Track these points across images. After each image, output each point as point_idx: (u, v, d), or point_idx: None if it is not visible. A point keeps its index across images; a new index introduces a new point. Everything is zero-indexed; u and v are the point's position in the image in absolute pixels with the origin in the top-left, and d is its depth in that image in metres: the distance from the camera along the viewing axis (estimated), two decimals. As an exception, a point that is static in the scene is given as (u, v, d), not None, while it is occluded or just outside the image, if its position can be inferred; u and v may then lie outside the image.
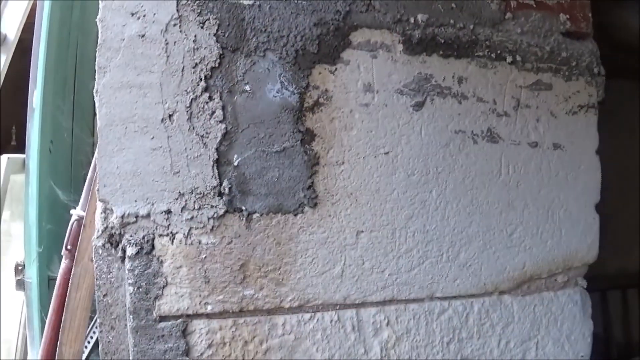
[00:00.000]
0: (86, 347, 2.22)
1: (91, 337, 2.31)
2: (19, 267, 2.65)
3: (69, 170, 2.68)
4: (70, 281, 1.93)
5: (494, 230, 1.80)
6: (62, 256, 2.07)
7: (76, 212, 2.05)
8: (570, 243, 1.90)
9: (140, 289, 1.52)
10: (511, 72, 1.82)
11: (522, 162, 1.83)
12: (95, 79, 1.51)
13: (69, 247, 2.03)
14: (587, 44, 1.94)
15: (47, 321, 2.02)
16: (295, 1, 1.62)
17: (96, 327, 2.17)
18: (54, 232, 2.50)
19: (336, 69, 1.65)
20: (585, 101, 1.92)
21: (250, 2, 1.59)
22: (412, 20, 1.71)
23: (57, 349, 1.94)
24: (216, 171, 1.55)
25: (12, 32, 3.43)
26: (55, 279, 2.10)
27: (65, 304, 1.94)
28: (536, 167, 1.85)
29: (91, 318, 2.09)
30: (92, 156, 1.98)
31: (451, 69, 1.75)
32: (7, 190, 3.55)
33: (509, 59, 1.81)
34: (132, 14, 1.51)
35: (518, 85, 1.83)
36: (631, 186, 4.12)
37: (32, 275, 2.55)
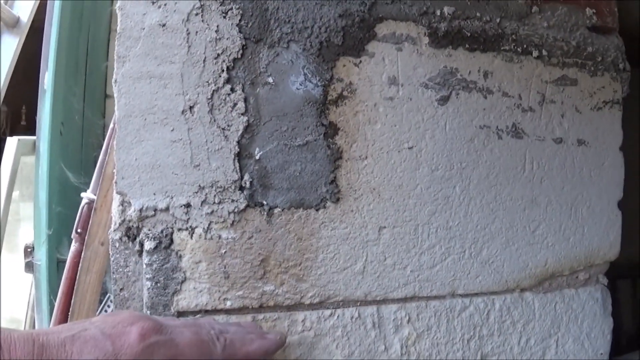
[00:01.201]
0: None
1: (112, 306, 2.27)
2: (28, 249, 2.62)
3: (79, 152, 2.67)
4: (80, 264, 1.90)
5: (517, 226, 1.74)
6: (71, 239, 2.02)
7: (87, 195, 2.01)
8: (593, 240, 1.84)
9: (158, 284, 1.47)
10: (537, 67, 1.76)
11: (547, 158, 1.77)
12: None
13: (79, 230, 1.99)
14: (612, 38, 1.88)
15: (56, 304, 1.98)
16: (320, -9, 1.55)
17: (105, 311, 2.13)
18: (64, 214, 2.48)
19: (361, 61, 1.58)
20: (610, 97, 1.86)
21: (274, -8, 1.51)
22: (438, 12, 1.65)
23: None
24: (237, 164, 1.49)
25: (26, 14, 3.41)
26: (64, 262, 2.07)
27: (75, 287, 1.91)
28: (560, 164, 1.79)
29: (100, 301, 2.05)
30: (103, 139, 1.94)
31: (477, 63, 1.69)
32: (17, 171, 3.52)
33: (535, 53, 1.75)
34: (153, 3, 1.45)
35: (544, 80, 1.77)
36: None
37: (41, 257, 2.53)
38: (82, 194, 2.03)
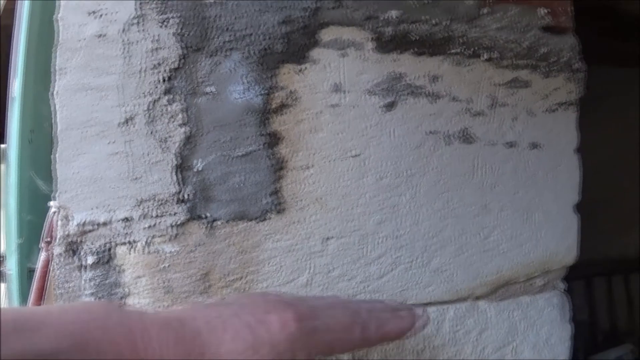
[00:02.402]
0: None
1: None
2: (0, 258, 2.65)
3: (48, 160, 2.68)
4: (47, 274, 1.94)
5: (469, 234, 1.80)
6: (40, 248, 2.07)
7: (54, 204, 2.05)
8: (549, 245, 1.91)
9: (101, 300, 1.52)
10: (487, 70, 1.82)
11: (499, 163, 1.83)
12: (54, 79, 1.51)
13: (47, 239, 2.03)
14: (567, 38, 1.94)
15: None
16: (262, -2, 1.61)
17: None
18: (35, 223, 2.49)
19: (304, 68, 1.64)
20: (564, 98, 1.92)
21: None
22: (384, 16, 1.71)
23: None
24: (177, 177, 1.55)
25: None
26: (35, 270, 2.11)
27: (43, 297, 1.94)
28: (513, 168, 1.85)
29: None
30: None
31: (424, 67, 1.75)
32: (-14, 180, 3.54)
33: (485, 55, 1.81)
34: (90, 14, 1.51)
35: (494, 83, 1.83)
36: (615, 174, 4.18)
37: (12, 266, 2.55)
38: (50, 203, 2.07)
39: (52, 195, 1.54)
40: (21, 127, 2.49)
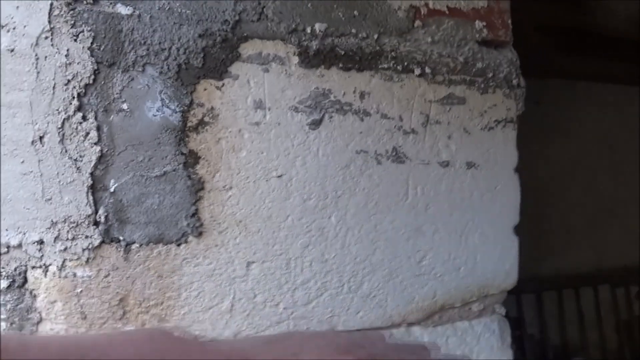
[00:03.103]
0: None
1: None
2: None
3: None
4: None
5: (401, 257, 1.80)
6: None
7: None
8: (486, 269, 1.91)
9: (14, 325, 1.52)
10: (420, 86, 1.82)
11: (432, 183, 1.83)
12: None
13: None
14: (506, 52, 1.95)
15: None
16: (179, 10, 1.61)
17: None
18: None
19: (223, 84, 1.64)
20: (502, 115, 1.93)
21: (129, 12, 1.58)
22: (309, 29, 1.71)
23: None
24: (91, 198, 1.55)
25: None
26: None
27: None
28: (447, 188, 1.86)
29: None
30: None
31: (352, 83, 1.75)
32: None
33: (418, 71, 1.81)
34: (3, 27, 1.50)
35: (427, 99, 1.83)
36: (564, 187, 4.23)
37: None
38: None
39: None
40: None
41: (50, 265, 1.53)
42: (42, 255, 1.53)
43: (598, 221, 4.63)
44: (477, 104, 1.89)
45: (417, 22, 1.83)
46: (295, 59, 1.70)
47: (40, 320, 1.53)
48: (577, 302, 4.57)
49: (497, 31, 1.92)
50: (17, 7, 1.51)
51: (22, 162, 1.51)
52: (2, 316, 1.51)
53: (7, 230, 1.51)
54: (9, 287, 1.51)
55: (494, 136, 1.91)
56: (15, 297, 1.51)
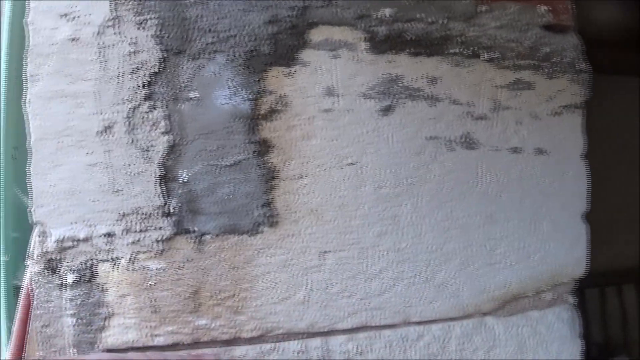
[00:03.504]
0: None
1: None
2: None
3: None
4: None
5: (474, 246, 1.72)
6: (26, 265, 2.00)
7: None
8: (558, 257, 1.82)
9: (82, 320, 1.44)
10: (488, 71, 1.74)
11: (503, 170, 1.75)
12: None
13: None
14: (569, 37, 1.86)
15: (13, 331, 1.96)
16: (246, -4, 1.53)
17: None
18: (21, 240, 2.45)
19: (293, 71, 1.56)
20: (569, 101, 1.84)
21: (195, -1, 1.49)
22: (377, 15, 1.63)
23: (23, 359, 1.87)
24: (162, 189, 1.47)
25: None
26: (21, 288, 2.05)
27: (31, 314, 1.88)
28: (518, 175, 1.77)
29: None
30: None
31: (422, 68, 1.67)
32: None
33: (485, 56, 1.73)
34: (63, 16, 1.42)
35: (496, 84, 1.75)
36: (611, 182, 4.13)
37: None
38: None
39: (32, 210, 1.44)
40: (4, 144, 2.44)
41: (120, 258, 1.46)
42: (112, 249, 1.45)
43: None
44: (545, 89, 1.81)
45: (483, 7, 1.75)
46: (365, 45, 1.62)
47: (110, 315, 1.45)
48: (619, 299, 4.47)
49: (560, 15, 1.84)
50: (80, -5, 1.43)
51: (89, 153, 1.44)
52: (70, 311, 1.44)
53: (74, 223, 1.44)
54: (77, 281, 1.44)
55: (561, 121, 1.82)
56: (83, 292, 1.44)
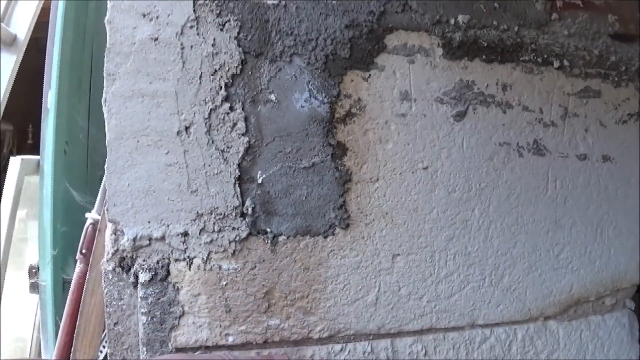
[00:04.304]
0: (101, 351, 2.11)
1: (106, 342, 2.20)
2: (33, 270, 2.55)
3: (84, 171, 2.61)
4: (85, 286, 1.83)
5: (540, 251, 1.63)
6: (77, 260, 1.94)
7: (91, 216, 1.94)
8: (619, 263, 1.73)
9: (155, 319, 1.36)
10: (558, 78, 1.65)
11: (570, 177, 1.66)
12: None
13: (83, 251, 1.92)
14: (636, 46, 1.77)
15: (61, 325, 1.92)
16: (325, 1, 1.45)
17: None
18: (69, 234, 2.41)
19: (370, 75, 1.48)
20: (635, 109, 1.75)
21: (275, 2, 1.41)
22: (452, 21, 1.54)
23: (71, 354, 1.84)
24: (238, 189, 1.39)
25: (23, 32, 3.37)
26: (69, 282, 2.00)
27: (80, 309, 1.83)
28: (585, 182, 1.68)
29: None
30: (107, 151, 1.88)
31: (494, 75, 1.58)
32: (20, 191, 3.47)
33: (556, 63, 1.64)
34: (144, 15, 1.34)
35: (566, 92, 1.66)
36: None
37: (46, 277, 2.46)
38: (87, 215, 1.96)
39: (105, 209, 1.36)
40: (56, 139, 2.41)
41: (194, 257, 1.38)
42: (187, 248, 1.37)
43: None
44: (612, 97, 1.72)
45: (554, 15, 1.66)
46: (440, 51, 1.54)
47: (182, 314, 1.38)
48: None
49: (629, 25, 1.75)
50: (160, -5, 1.35)
51: (167, 152, 1.35)
52: (143, 310, 1.36)
53: (149, 222, 1.35)
54: (150, 280, 1.36)
55: (627, 129, 1.74)
56: (157, 291, 1.36)
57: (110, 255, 1.36)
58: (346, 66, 1.45)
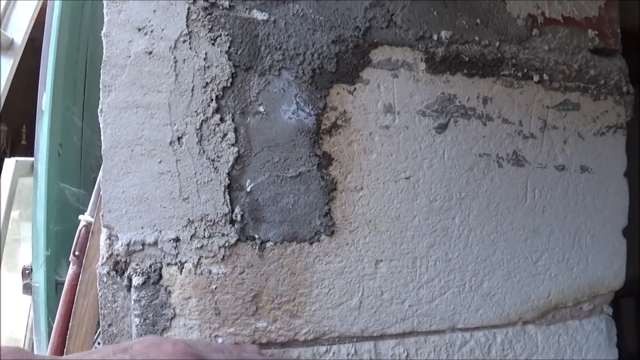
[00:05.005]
0: (93, 353, 2.15)
1: (98, 343, 2.24)
2: (26, 271, 2.58)
3: (78, 173, 2.63)
4: (77, 288, 1.86)
5: (519, 257, 1.68)
6: (69, 261, 1.98)
7: (84, 218, 1.97)
8: (597, 270, 1.78)
9: (147, 321, 1.41)
10: (538, 92, 1.70)
11: (549, 187, 1.71)
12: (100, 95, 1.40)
13: (76, 253, 1.96)
14: (615, 60, 1.82)
15: (54, 327, 1.95)
16: (312, 17, 1.50)
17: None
18: (63, 236, 2.44)
19: (355, 88, 1.53)
20: (613, 121, 1.80)
21: (265, 18, 1.46)
22: (435, 37, 1.59)
23: (64, 355, 1.85)
24: (228, 197, 1.43)
25: (20, 36, 3.39)
26: (62, 284, 2.04)
27: (73, 310, 1.87)
28: (563, 192, 1.73)
29: (99, 325, 2.02)
30: (102, 160, 1.92)
31: (476, 88, 1.64)
32: (15, 192, 3.50)
33: (536, 77, 1.69)
34: (139, 30, 1.39)
35: (545, 105, 1.71)
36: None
37: (39, 279, 2.48)
38: (80, 217, 1.99)
39: (100, 215, 1.42)
40: (50, 140, 2.44)
41: (185, 262, 1.42)
42: (178, 253, 1.42)
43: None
44: (590, 110, 1.77)
45: (535, 31, 1.71)
46: (423, 65, 1.58)
47: (174, 316, 1.42)
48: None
49: (608, 40, 1.80)
50: (154, 10, 1.41)
51: (160, 161, 1.40)
52: (136, 312, 1.41)
53: (142, 228, 1.40)
54: (143, 283, 1.40)
55: (605, 141, 1.79)
56: (149, 294, 1.41)
57: (104, 259, 1.40)
58: (332, 80, 1.50)
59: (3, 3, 3.35)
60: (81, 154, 2.64)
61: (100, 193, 1.41)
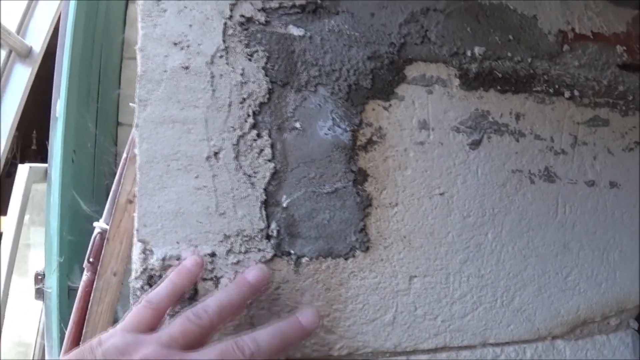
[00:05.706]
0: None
1: None
2: (39, 277, 2.58)
3: (91, 180, 2.64)
4: (92, 294, 1.87)
5: (549, 273, 1.68)
6: (83, 268, 1.98)
7: (99, 225, 1.97)
8: (624, 285, 1.79)
9: None
10: (569, 108, 1.71)
11: (579, 202, 1.72)
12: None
13: (91, 259, 1.95)
14: (642, 76, 1.82)
15: (67, 333, 1.95)
16: (348, 33, 1.50)
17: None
18: (76, 242, 2.44)
19: (390, 104, 1.53)
20: (641, 137, 1.79)
21: (301, 33, 1.47)
22: (469, 53, 1.60)
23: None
24: (264, 213, 1.43)
25: (38, 44, 3.39)
26: (75, 290, 2.04)
27: (86, 317, 1.87)
28: (592, 207, 1.73)
29: None
30: (115, 167, 1.91)
31: (508, 104, 1.64)
32: (28, 199, 3.50)
33: (567, 94, 1.70)
34: (175, 44, 1.39)
35: (576, 121, 1.72)
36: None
37: (52, 285, 2.49)
38: (95, 224, 1.99)
39: (135, 230, 1.41)
40: (64, 147, 2.44)
41: (221, 277, 1.41)
42: (214, 268, 1.41)
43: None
44: (619, 126, 1.78)
45: (565, 47, 1.71)
46: (457, 81, 1.58)
47: None
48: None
49: (636, 55, 1.81)
50: (190, 25, 1.40)
51: (196, 177, 1.40)
52: None
53: (178, 242, 1.39)
54: (179, 299, 1.38)
55: (634, 157, 1.80)
56: (185, 308, 1.39)
57: (138, 273, 1.39)
58: (368, 96, 1.51)
59: (22, 10, 3.35)
60: (94, 161, 2.64)
61: (137, 207, 1.41)
